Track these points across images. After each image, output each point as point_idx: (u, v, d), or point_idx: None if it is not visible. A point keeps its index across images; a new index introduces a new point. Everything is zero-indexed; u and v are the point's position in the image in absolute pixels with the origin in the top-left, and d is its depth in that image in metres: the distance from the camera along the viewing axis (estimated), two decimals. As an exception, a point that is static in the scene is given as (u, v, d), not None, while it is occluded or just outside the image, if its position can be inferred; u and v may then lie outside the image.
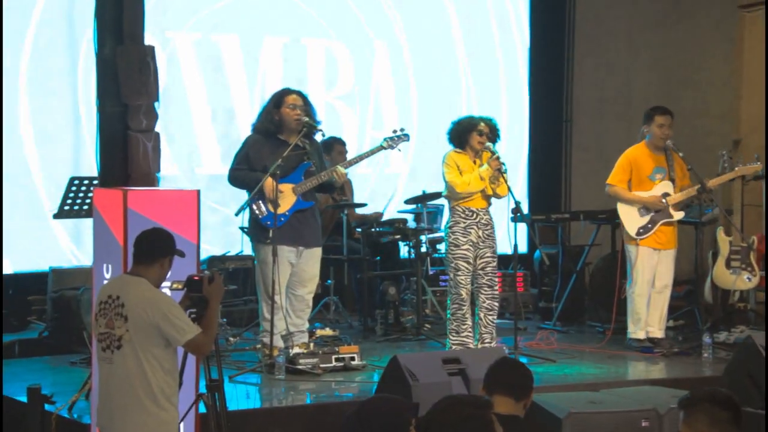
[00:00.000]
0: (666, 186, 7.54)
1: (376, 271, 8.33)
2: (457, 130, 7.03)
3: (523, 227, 7.88)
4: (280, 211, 6.62)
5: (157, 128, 7.03)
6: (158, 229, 4.57)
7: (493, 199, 7.09)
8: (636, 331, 7.51)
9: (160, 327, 4.30)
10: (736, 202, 8.09)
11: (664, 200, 7.49)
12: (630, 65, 10.28)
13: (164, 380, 4.33)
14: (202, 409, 4.89)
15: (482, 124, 6.99)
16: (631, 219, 7.51)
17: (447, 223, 7.05)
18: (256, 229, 6.78)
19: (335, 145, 8.32)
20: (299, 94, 6.82)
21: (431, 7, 9.68)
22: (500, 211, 7.17)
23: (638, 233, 7.48)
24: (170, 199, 5.29)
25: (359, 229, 8.32)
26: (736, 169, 7.67)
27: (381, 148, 7.04)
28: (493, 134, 7.03)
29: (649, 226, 7.48)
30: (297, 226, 6.74)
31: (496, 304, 7.02)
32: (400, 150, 7.21)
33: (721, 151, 7.96)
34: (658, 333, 7.51)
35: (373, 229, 8.29)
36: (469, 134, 6.98)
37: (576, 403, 5.51)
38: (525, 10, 10.04)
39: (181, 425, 4.67)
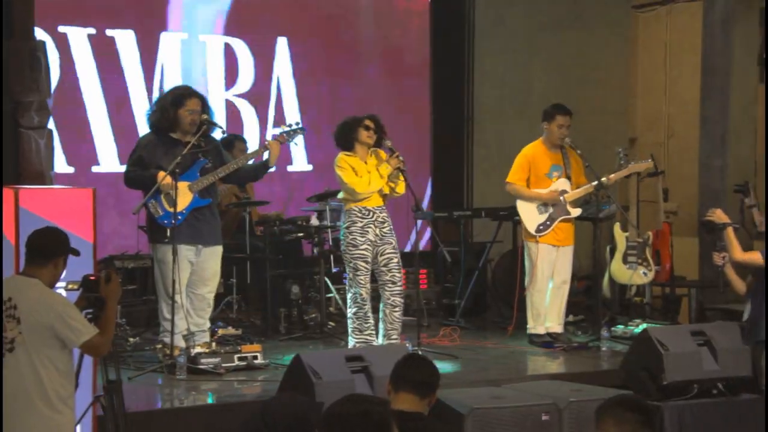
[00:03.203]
0: (563, 183, 7.66)
1: (280, 269, 8.26)
2: (343, 129, 7.03)
3: (425, 224, 7.92)
4: (177, 209, 6.51)
5: (50, 125, 6.85)
6: (51, 228, 4.45)
7: (395, 197, 7.10)
8: (536, 327, 7.61)
9: (55, 328, 4.19)
10: (632, 198, 8.27)
11: (561, 197, 7.60)
12: (529, 64, 10.42)
13: (59, 382, 4.23)
14: (100, 411, 4.77)
15: (366, 120, 7.00)
16: (530, 216, 7.61)
17: (343, 223, 7.02)
18: (154, 229, 6.66)
19: (236, 143, 8.23)
20: (200, 98, 6.72)
21: (332, 2, 9.64)
22: (402, 209, 7.19)
23: (538, 230, 7.58)
24: (64, 198, 5.16)
25: (261, 228, 8.24)
26: (630, 165, 7.84)
27: (277, 141, 6.97)
28: (378, 128, 7.04)
29: (548, 223, 7.59)
30: (195, 224, 6.65)
31: (401, 300, 7.01)
32: (296, 144, 7.19)
33: (617, 149, 8.13)
34: (557, 328, 7.63)
35: (276, 228, 8.23)
36: (356, 131, 6.98)
37: (478, 399, 5.56)
38: (426, 8, 10.08)
39: (78, 428, 4.57)
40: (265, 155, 6.82)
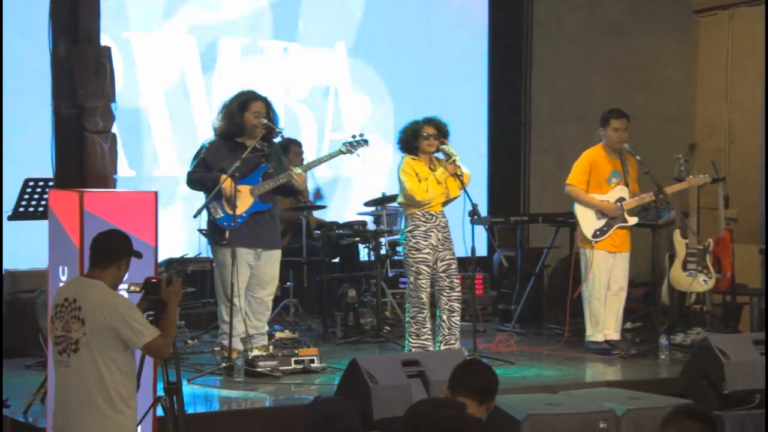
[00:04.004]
0: (621, 191, 7.60)
1: (336, 273, 8.30)
2: (405, 138, 7.03)
3: (481, 229, 7.91)
4: (237, 212, 6.58)
5: (114, 130, 6.97)
6: (114, 231, 4.52)
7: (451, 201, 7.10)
8: (594, 334, 7.55)
9: (118, 330, 4.26)
10: (692, 205, 8.17)
11: (619, 204, 7.54)
12: (588, 69, 10.35)
13: (122, 383, 4.29)
14: (160, 412, 4.84)
15: (426, 127, 6.98)
16: (588, 221, 7.55)
17: (405, 227, 7.03)
18: (214, 231, 6.74)
19: (291, 147, 8.29)
20: (265, 101, 6.79)
21: (391, 9, 9.68)
22: (458, 213, 7.19)
23: (594, 235, 7.52)
24: (128, 201, 5.24)
25: (318, 232, 8.29)
26: (687, 179, 7.76)
27: (339, 152, 7.04)
28: (441, 132, 7.02)
29: (605, 229, 7.53)
30: (255, 227, 6.70)
31: (459, 305, 7.00)
32: (359, 155, 7.22)
33: (677, 155, 8.04)
34: (614, 335, 7.56)
35: (332, 231, 8.28)
36: (417, 141, 6.98)
37: (534, 405, 5.54)
38: (484, 14, 10.07)
39: (139, 428, 4.63)
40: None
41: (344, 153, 7.03)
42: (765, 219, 8.31)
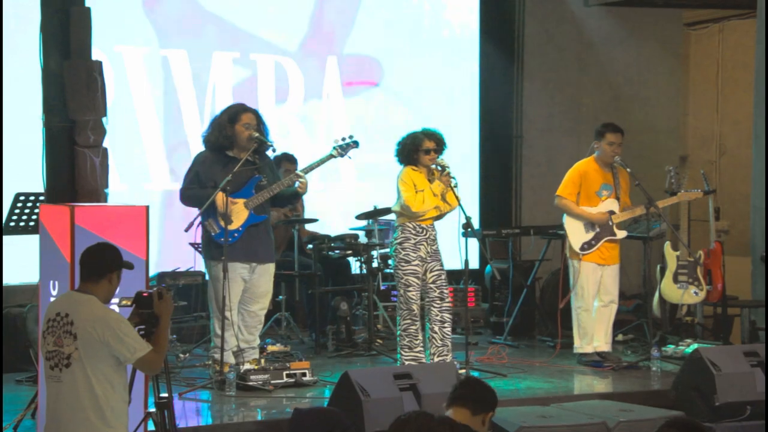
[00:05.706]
0: (612, 204, 7.61)
1: (328, 286, 8.30)
2: (404, 150, 7.03)
3: (473, 242, 7.93)
4: (233, 227, 6.58)
5: (105, 144, 6.97)
6: (104, 244, 4.52)
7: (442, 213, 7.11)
8: (583, 346, 7.55)
9: (110, 345, 4.26)
10: (683, 217, 8.20)
11: (609, 218, 7.56)
12: (579, 81, 10.39)
13: (114, 398, 4.29)
14: (151, 426, 4.83)
15: (426, 141, 6.98)
16: (576, 233, 7.57)
17: (395, 239, 7.03)
18: (210, 247, 6.73)
19: (283, 162, 8.27)
20: (254, 113, 6.79)
21: (381, 22, 9.71)
22: (451, 226, 7.20)
23: (582, 248, 7.54)
24: (119, 215, 5.25)
25: (310, 246, 8.30)
26: (678, 194, 7.77)
27: (331, 156, 7.00)
28: (440, 146, 7.03)
29: (593, 242, 7.55)
30: (250, 241, 6.70)
31: (449, 316, 7.01)
32: (350, 157, 7.16)
33: (668, 167, 8.07)
34: (605, 347, 7.57)
35: (324, 245, 8.28)
36: (417, 154, 6.99)
37: (527, 417, 5.54)
38: (475, 26, 10.11)
39: (130, 443, 4.61)
40: (296, 183, 6.83)
41: (335, 156, 7.00)
42: (766, 227, 8.31)
